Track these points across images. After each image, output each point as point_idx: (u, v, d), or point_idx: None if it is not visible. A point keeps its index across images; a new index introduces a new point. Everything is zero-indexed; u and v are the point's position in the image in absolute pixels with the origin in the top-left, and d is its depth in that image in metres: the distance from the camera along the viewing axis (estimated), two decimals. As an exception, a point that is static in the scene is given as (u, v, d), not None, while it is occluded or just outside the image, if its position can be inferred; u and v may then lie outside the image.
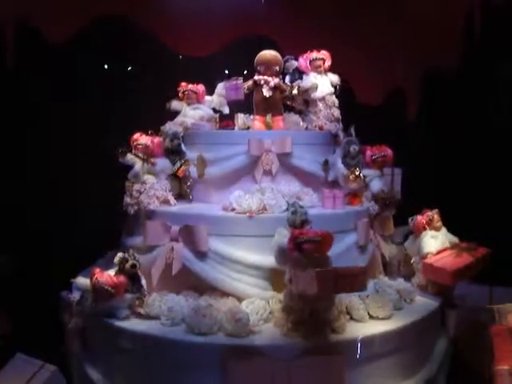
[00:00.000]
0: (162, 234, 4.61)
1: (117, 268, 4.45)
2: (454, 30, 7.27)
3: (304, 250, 3.99)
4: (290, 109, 5.54)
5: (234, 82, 5.24)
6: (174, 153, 5.13)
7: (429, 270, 4.97)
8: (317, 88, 5.44)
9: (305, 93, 5.37)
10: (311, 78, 5.48)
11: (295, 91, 5.40)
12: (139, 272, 4.48)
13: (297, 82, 5.41)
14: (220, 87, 5.66)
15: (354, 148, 5.09)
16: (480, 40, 7.25)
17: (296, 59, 5.53)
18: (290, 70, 5.43)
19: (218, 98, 5.68)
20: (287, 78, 5.42)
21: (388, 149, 5.37)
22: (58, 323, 4.97)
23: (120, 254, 4.44)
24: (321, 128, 5.40)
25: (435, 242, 5.10)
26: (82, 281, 4.81)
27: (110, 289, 4.25)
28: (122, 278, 4.32)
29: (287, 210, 4.37)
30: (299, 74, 5.43)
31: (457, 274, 4.87)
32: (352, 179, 5.04)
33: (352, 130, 5.27)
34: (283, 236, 4.17)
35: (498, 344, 4.33)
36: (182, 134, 5.30)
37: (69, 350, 4.92)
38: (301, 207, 4.34)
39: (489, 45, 7.26)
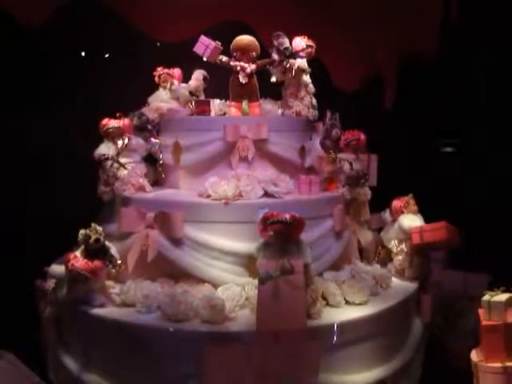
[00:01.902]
0: (137, 220, 4.57)
1: (82, 247, 4.38)
2: (432, 16, 7.27)
3: (272, 229, 4.05)
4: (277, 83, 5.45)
5: (214, 43, 5.14)
6: (143, 130, 5.13)
7: (422, 233, 5.04)
8: (308, 73, 5.39)
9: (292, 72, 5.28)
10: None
11: (273, 79, 5.38)
12: (106, 243, 4.43)
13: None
14: (197, 72, 5.64)
15: (336, 132, 5.10)
16: (457, 26, 7.26)
17: None
18: (282, 47, 5.25)
19: (195, 82, 5.64)
20: (275, 56, 5.31)
21: (361, 133, 5.40)
22: (33, 312, 4.93)
23: (82, 231, 4.37)
24: (298, 114, 5.36)
25: (414, 223, 5.15)
26: (56, 268, 4.76)
27: (86, 273, 4.23)
28: (97, 263, 4.29)
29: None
30: (291, 53, 5.30)
31: (448, 228, 4.97)
32: (328, 162, 5.04)
33: (337, 115, 5.24)
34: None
35: (490, 340, 4.17)
36: (157, 120, 5.28)
37: (44, 339, 4.89)
38: None
39: (466, 31, 7.28)
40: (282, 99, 5.47)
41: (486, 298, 4.31)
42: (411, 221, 5.16)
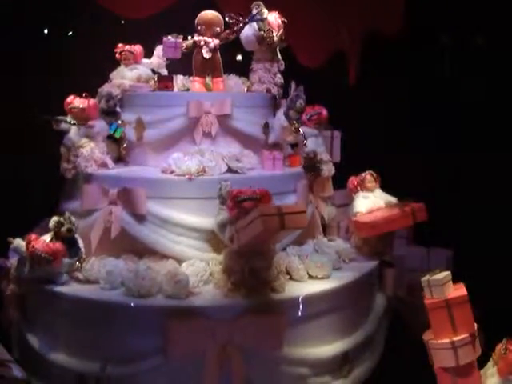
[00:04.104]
0: (99, 197, 4.54)
1: (52, 233, 4.33)
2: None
3: (245, 207, 4.02)
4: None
5: (174, 40, 5.14)
6: (109, 114, 5.02)
7: (356, 226, 5.10)
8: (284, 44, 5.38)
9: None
10: None
11: (239, 57, 5.36)
12: (76, 236, 4.40)
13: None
14: (159, 49, 5.57)
15: (300, 103, 5.09)
16: (422, 4, 7.29)
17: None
18: (260, 17, 5.21)
19: (157, 59, 5.59)
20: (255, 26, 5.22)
21: (323, 108, 5.41)
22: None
23: (55, 218, 4.33)
24: (268, 91, 5.33)
25: (367, 202, 5.18)
26: (21, 244, 4.63)
27: (46, 256, 4.18)
28: (58, 245, 4.24)
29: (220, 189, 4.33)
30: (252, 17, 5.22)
31: (375, 226, 4.96)
32: (291, 132, 5.05)
33: (301, 88, 5.23)
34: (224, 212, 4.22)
35: (436, 318, 4.20)
36: (119, 96, 5.19)
37: (7, 319, 4.83)
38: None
39: (430, 9, 7.30)
40: (253, 73, 5.40)
41: (426, 277, 4.32)
42: (364, 200, 5.17)
